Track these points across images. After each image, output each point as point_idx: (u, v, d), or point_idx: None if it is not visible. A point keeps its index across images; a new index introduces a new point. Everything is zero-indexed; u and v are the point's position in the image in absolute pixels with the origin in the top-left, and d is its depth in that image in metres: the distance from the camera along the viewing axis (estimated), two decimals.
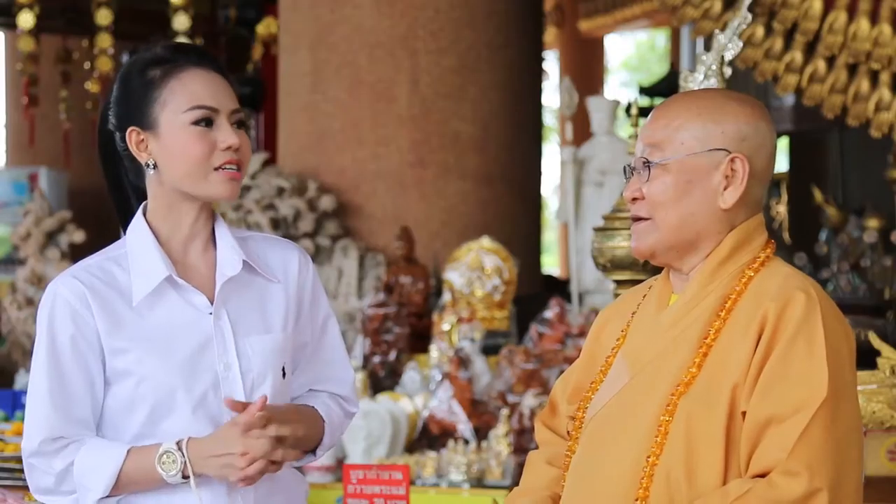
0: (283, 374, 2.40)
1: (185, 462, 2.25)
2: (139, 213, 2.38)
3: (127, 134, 2.33)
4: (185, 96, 2.30)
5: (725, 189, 2.15)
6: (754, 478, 2.01)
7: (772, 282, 2.13)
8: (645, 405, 2.11)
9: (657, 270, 2.37)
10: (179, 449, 2.25)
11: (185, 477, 2.26)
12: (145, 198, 2.39)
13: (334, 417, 2.49)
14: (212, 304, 2.34)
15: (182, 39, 9.18)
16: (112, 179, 2.43)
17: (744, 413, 2.04)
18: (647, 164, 2.17)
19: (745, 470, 2.04)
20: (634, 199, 2.19)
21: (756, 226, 2.20)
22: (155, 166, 2.33)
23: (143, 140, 2.33)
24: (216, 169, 2.31)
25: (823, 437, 2.00)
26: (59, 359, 2.29)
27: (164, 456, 2.26)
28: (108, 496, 2.29)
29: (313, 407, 2.46)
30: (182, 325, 2.32)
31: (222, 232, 2.40)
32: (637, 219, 2.20)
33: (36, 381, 2.32)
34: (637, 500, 2.07)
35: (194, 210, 2.37)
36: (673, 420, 2.07)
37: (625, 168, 2.26)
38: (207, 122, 2.31)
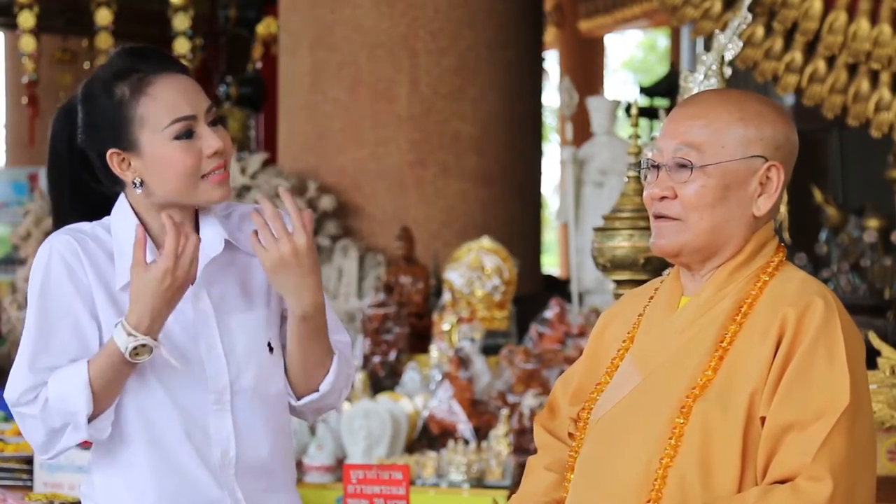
0: (271, 350, 2.38)
1: (134, 335, 2.22)
2: (122, 199, 2.36)
3: (108, 157, 2.30)
4: (162, 111, 2.27)
5: (759, 196, 2.14)
6: (773, 484, 2.01)
7: (788, 287, 2.13)
8: (658, 407, 2.10)
9: (658, 270, 2.36)
10: (125, 331, 2.22)
11: (145, 348, 2.23)
12: (104, 202, 2.37)
13: (342, 365, 2.44)
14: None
15: (182, 39, 9.18)
16: (59, 187, 2.40)
17: (762, 418, 2.04)
18: (688, 166, 2.13)
19: (762, 475, 2.04)
20: (663, 198, 2.16)
21: (770, 230, 2.20)
22: (142, 183, 2.31)
23: (124, 160, 2.30)
24: (204, 176, 2.29)
25: (845, 443, 2.00)
26: (48, 308, 2.29)
27: (116, 333, 2.23)
28: (98, 411, 2.27)
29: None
30: None
31: (206, 214, 2.39)
32: (661, 216, 2.17)
33: (24, 335, 2.31)
34: (649, 501, 2.06)
35: (182, 209, 2.36)
36: (688, 423, 2.06)
37: (645, 162, 2.21)
38: (188, 133, 2.28)
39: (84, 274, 2.29)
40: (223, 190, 2.32)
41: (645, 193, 2.20)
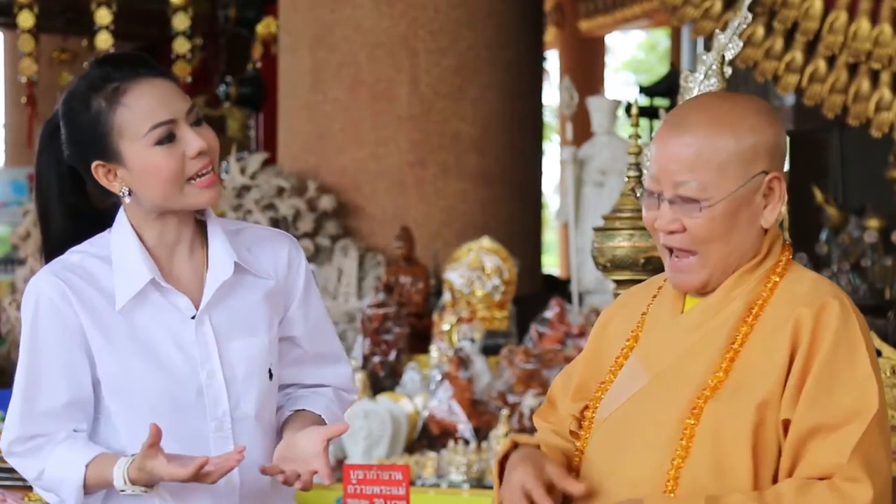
0: (270, 376, 2.36)
1: (130, 486, 2.22)
2: (122, 213, 2.33)
3: (93, 169, 2.28)
4: (139, 119, 2.23)
5: (765, 208, 2.13)
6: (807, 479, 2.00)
7: (800, 287, 2.11)
8: (668, 408, 2.09)
9: (658, 270, 2.34)
10: (123, 477, 2.22)
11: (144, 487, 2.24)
12: (98, 221, 2.36)
13: (334, 418, 2.44)
14: (196, 307, 2.30)
15: (182, 39, 9.18)
16: (48, 210, 2.38)
17: (784, 421, 2.03)
18: (694, 203, 2.09)
19: (785, 478, 2.02)
20: (671, 231, 2.12)
21: (776, 229, 2.19)
22: (130, 192, 2.28)
23: (110, 171, 2.28)
24: (189, 180, 2.26)
25: (880, 446, 2.01)
26: (38, 352, 2.28)
27: (116, 470, 2.23)
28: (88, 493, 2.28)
29: (319, 416, 2.41)
30: (164, 330, 2.28)
31: (215, 232, 2.35)
32: (674, 250, 2.14)
33: (16, 380, 2.30)
34: None
35: (178, 215, 2.32)
36: (699, 424, 2.05)
37: (642, 191, 2.16)
38: (169, 137, 2.25)
39: (73, 314, 2.27)
40: (211, 193, 2.29)
41: (646, 218, 2.16)
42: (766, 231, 2.16)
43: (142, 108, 2.24)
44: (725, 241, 2.11)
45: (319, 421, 2.39)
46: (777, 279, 2.14)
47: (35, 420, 2.28)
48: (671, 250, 2.15)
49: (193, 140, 2.25)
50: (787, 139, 2.20)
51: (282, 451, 2.30)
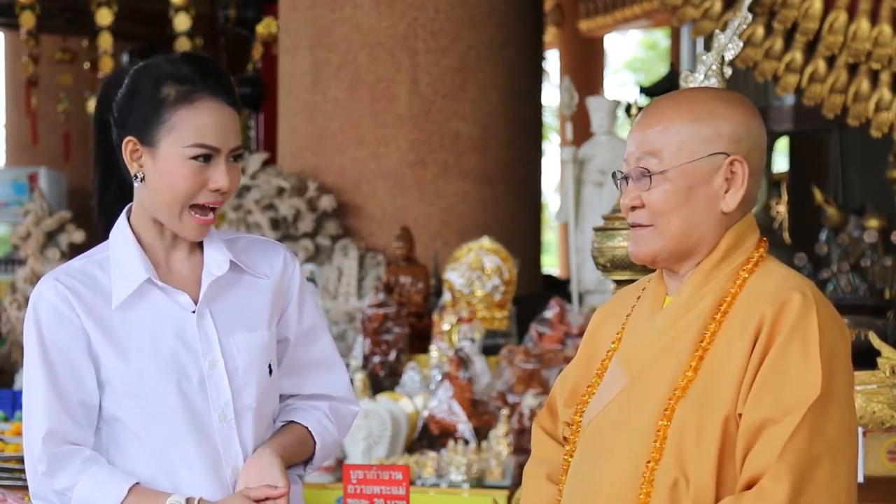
0: (270, 372, 2.41)
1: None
2: (123, 216, 2.39)
3: (124, 142, 2.33)
4: (192, 130, 2.29)
5: (726, 192, 2.14)
6: (744, 489, 2.00)
7: (768, 283, 2.11)
8: (643, 410, 2.10)
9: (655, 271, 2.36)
10: None
11: None
12: (130, 192, 2.40)
13: (327, 438, 2.50)
14: (196, 303, 2.35)
15: (182, 40, 9.18)
16: (103, 171, 2.42)
17: (739, 416, 2.03)
18: (647, 174, 2.14)
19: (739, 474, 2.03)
20: (634, 207, 2.17)
21: (748, 224, 2.19)
22: (142, 179, 2.33)
23: (137, 151, 2.33)
24: (192, 207, 2.32)
25: (812, 439, 1.98)
26: (49, 353, 2.32)
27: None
28: None
29: (307, 427, 2.47)
30: (166, 324, 2.34)
31: (210, 235, 2.41)
32: (636, 225, 2.18)
33: (31, 382, 2.34)
34: None
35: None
36: (671, 425, 2.06)
37: (615, 174, 2.23)
38: (206, 158, 2.31)
39: (76, 316, 2.32)
40: (201, 231, 2.35)
41: (621, 204, 2.22)
42: (729, 218, 2.16)
43: (199, 122, 2.30)
44: (678, 215, 2.13)
45: (306, 434, 2.47)
46: (746, 276, 2.14)
47: (66, 419, 2.32)
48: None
49: (221, 177, 2.32)
50: (763, 131, 2.20)
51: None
